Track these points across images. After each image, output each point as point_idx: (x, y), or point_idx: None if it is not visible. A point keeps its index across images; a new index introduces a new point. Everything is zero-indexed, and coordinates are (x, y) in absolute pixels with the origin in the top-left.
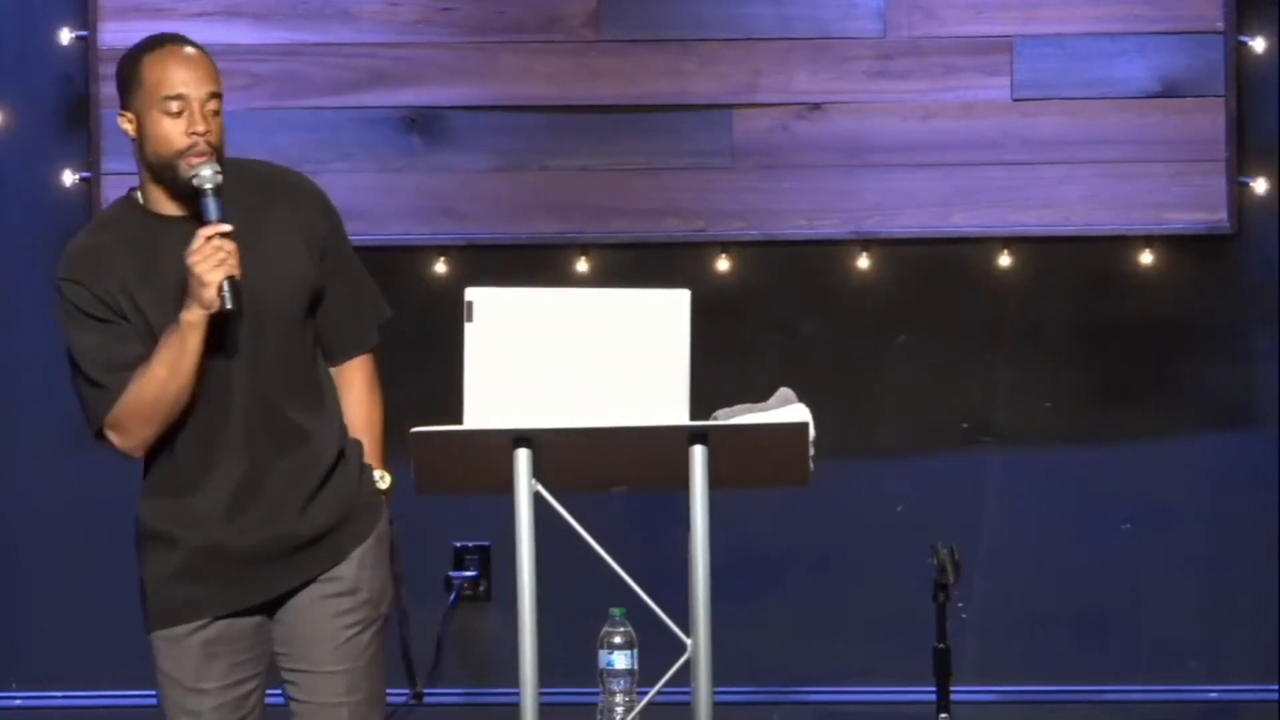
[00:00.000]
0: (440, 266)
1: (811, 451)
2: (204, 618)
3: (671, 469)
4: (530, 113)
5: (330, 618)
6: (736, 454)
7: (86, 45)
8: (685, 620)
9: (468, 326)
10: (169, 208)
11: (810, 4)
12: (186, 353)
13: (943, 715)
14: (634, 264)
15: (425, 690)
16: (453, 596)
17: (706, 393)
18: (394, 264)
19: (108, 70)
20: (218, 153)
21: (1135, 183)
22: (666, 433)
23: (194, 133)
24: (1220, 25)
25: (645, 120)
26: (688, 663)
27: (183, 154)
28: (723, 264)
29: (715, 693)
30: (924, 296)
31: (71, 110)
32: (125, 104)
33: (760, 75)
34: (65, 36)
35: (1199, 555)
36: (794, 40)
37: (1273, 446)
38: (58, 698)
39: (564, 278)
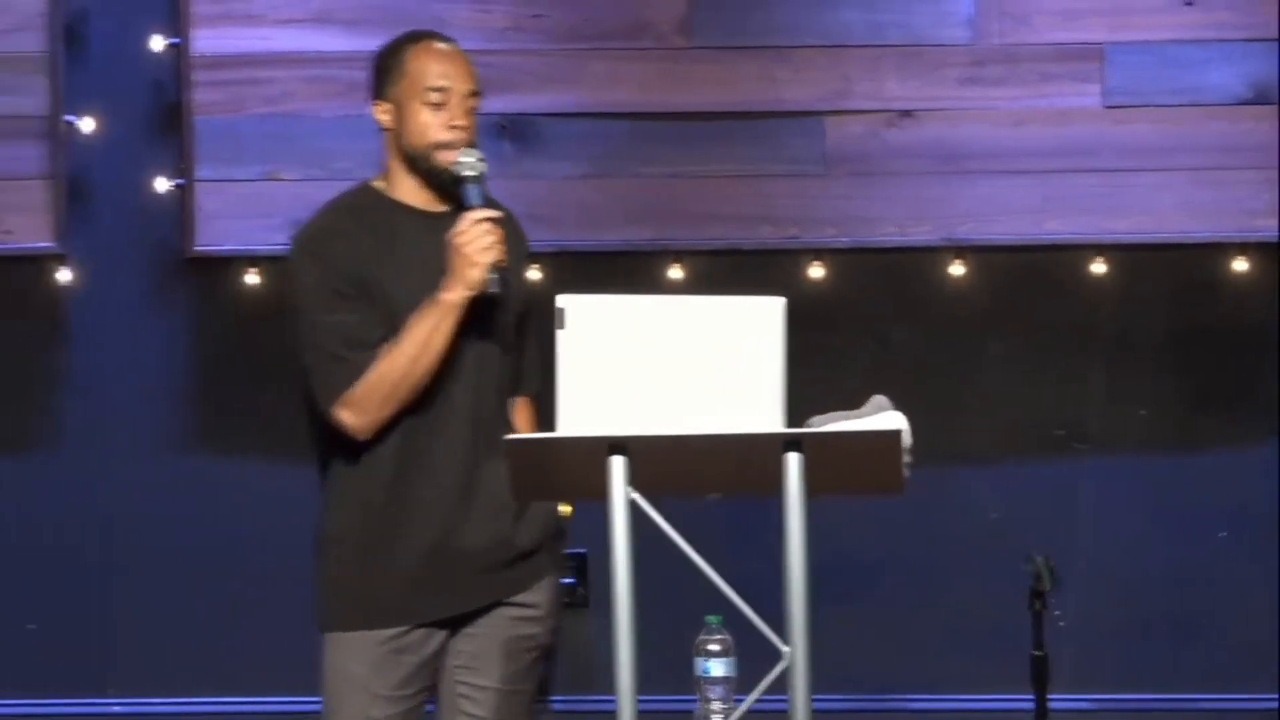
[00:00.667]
0: (532, 273)
1: (906, 459)
2: (421, 620)
3: (766, 476)
4: (620, 120)
5: (518, 639)
6: (831, 461)
7: (179, 52)
8: (782, 627)
9: (559, 334)
10: (417, 198)
11: (901, 11)
12: (440, 333)
13: None
14: (727, 271)
15: None
16: None
17: (800, 400)
18: None
19: (200, 77)
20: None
21: (1227, 189)
22: (761, 440)
23: (454, 126)
24: None
25: (737, 127)
26: (785, 670)
27: (440, 146)
28: (815, 271)
29: (812, 700)
30: (1016, 303)
31: (164, 117)
32: (383, 94)
33: (852, 82)
34: (158, 43)
35: None
36: (885, 47)
37: None
38: (154, 704)
39: (657, 285)
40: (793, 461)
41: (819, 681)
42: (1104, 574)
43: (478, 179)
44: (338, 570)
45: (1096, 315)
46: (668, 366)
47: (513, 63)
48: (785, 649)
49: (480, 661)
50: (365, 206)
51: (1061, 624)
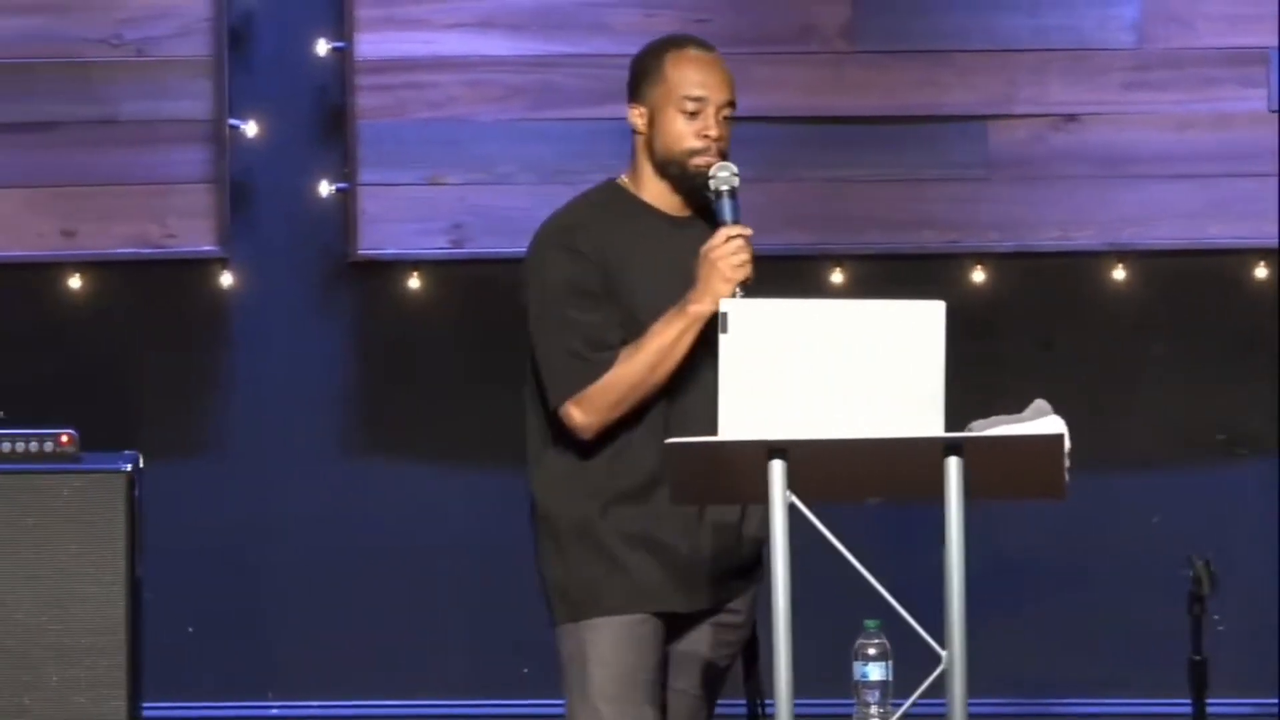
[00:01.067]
0: None
1: (1067, 464)
2: (671, 607)
3: (926, 480)
4: (783, 124)
5: (720, 645)
6: (991, 466)
7: (343, 56)
8: (939, 631)
9: (722, 337)
10: (663, 202)
11: (1066, 15)
12: (682, 343)
13: None
14: (888, 275)
15: None
16: None
17: (960, 404)
18: None
19: (363, 81)
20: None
21: None
22: (921, 444)
23: (706, 135)
24: None
25: (900, 132)
26: (943, 674)
27: (692, 154)
28: (977, 275)
29: (970, 704)
30: (1178, 308)
31: (327, 121)
32: (639, 97)
33: (1016, 86)
34: (322, 48)
35: None
36: (1050, 51)
37: None
38: (313, 707)
39: (818, 288)
40: (953, 466)
41: (976, 685)
42: (1263, 579)
43: (732, 193)
44: (595, 555)
45: (1259, 319)
46: (828, 370)
47: None
48: (943, 653)
49: (683, 664)
50: (612, 204)
51: (1220, 628)
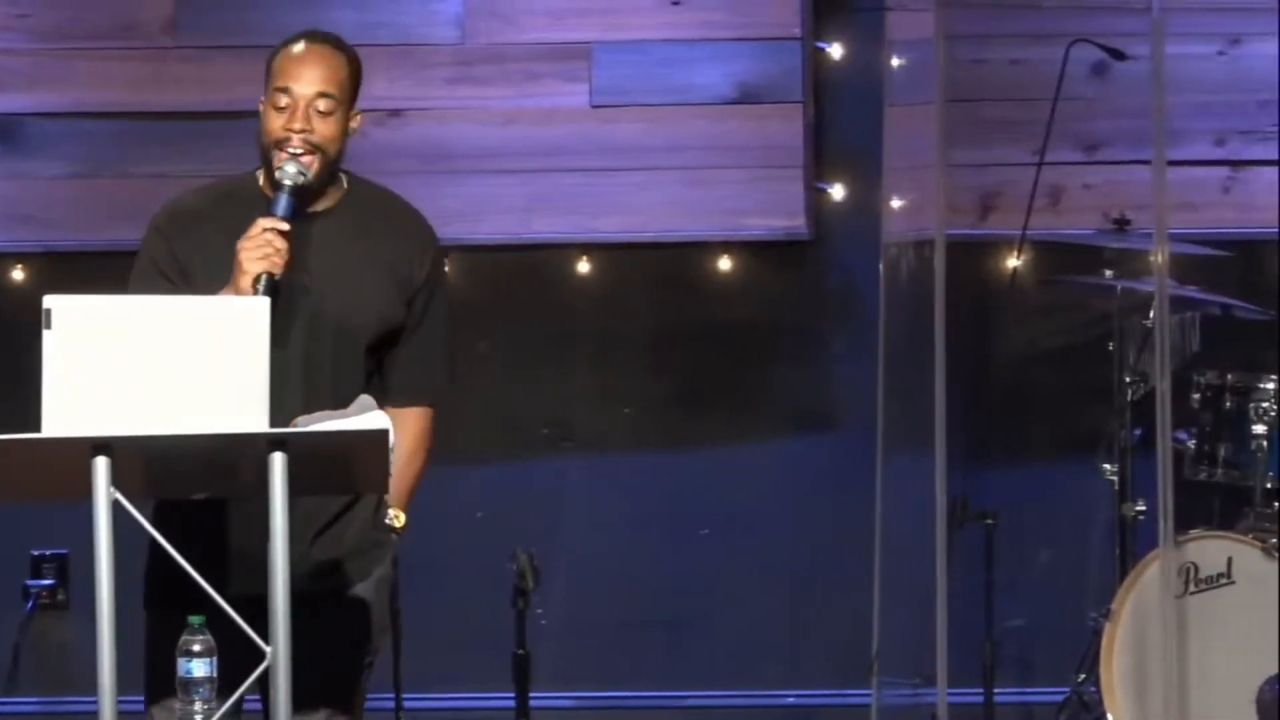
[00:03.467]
0: (17, 273)
1: (393, 458)
2: None
3: (254, 477)
4: (107, 119)
5: None
6: (317, 461)
7: None
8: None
9: (46, 334)
10: (270, 193)
11: (390, 10)
12: None
13: None
14: None
15: None
16: (31, 606)
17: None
18: None
19: None
20: (322, 153)
21: (714, 189)
22: (246, 440)
23: (290, 128)
24: (797, 32)
25: (224, 126)
26: (267, 670)
27: (278, 145)
28: None
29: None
30: (504, 303)
31: None
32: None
33: None
34: None
35: (784, 560)
36: (374, 46)
37: (850, 448)
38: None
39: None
40: (278, 461)
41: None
42: (587, 572)
43: (295, 190)
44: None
45: (583, 314)
46: (155, 366)
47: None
48: (268, 649)
49: None
50: (236, 193)
51: (544, 622)
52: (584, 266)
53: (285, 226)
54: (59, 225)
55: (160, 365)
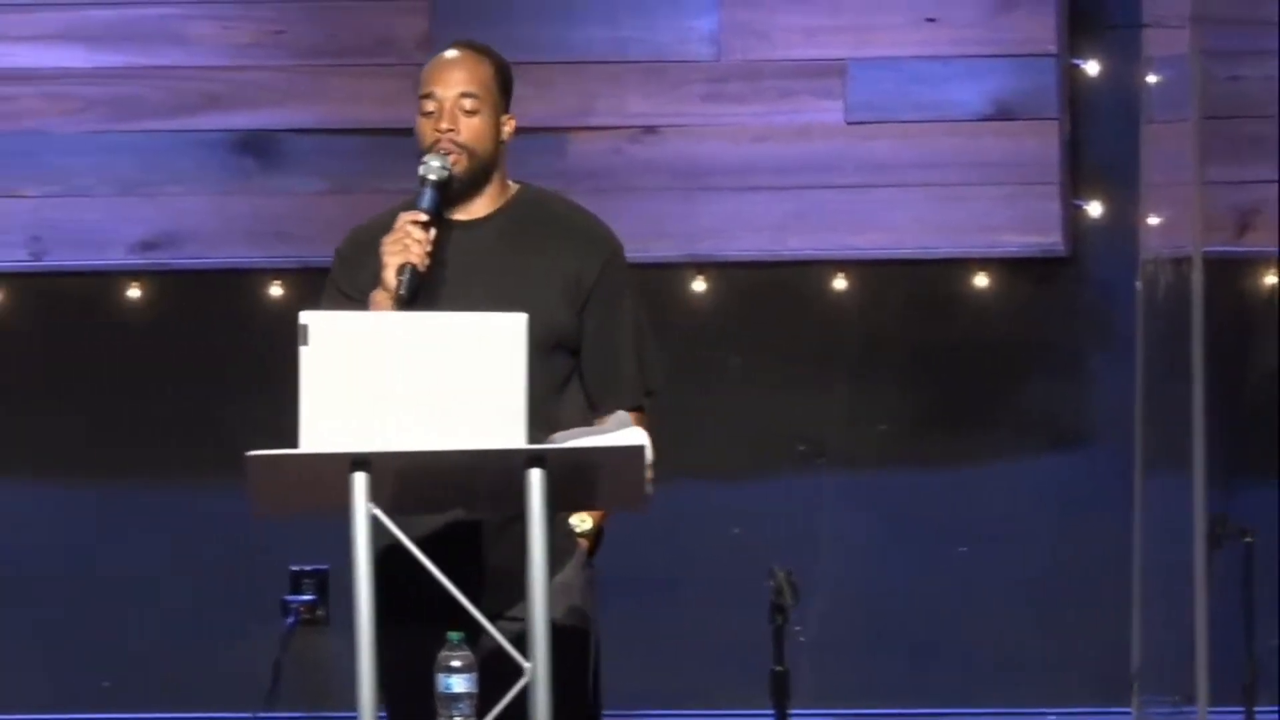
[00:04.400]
0: (275, 289)
1: (649, 476)
2: None
3: (510, 493)
4: (361, 135)
5: None
6: (573, 478)
7: None
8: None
9: (302, 350)
10: (457, 208)
11: (644, 27)
12: None
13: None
14: None
15: None
16: (291, 621)
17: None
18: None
19: None
20: (469, 152)
21: (969, 205)
22: (503, 456)
23: (437, 129)
24: (1053, 48)
25: None
26: (527, 686)
27: (430, 149)
28: None
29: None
30: (758, 319)
31: None
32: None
33: (593, 98)
34: None
35: (1039, 578)
36: (628, 63)
37: (1107, 466)
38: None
39: None
40: (535, 478)
41: None
42: (843, 589)
43: (438, 184)
44: None
45: (836, 330)
46: (411, 382)
47: (254, 78)
48: (527, 665)
49: None
50: (409, 205)
51: (802, 639)
52: (839, 283)
53: (425, 218)
54: (314, 241)
55: (416, 380)
